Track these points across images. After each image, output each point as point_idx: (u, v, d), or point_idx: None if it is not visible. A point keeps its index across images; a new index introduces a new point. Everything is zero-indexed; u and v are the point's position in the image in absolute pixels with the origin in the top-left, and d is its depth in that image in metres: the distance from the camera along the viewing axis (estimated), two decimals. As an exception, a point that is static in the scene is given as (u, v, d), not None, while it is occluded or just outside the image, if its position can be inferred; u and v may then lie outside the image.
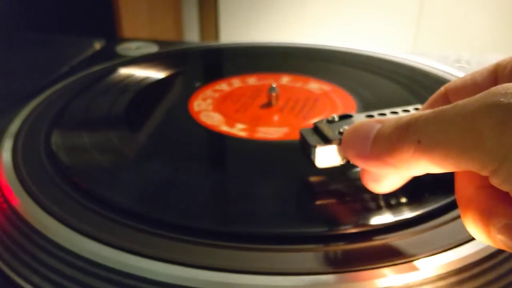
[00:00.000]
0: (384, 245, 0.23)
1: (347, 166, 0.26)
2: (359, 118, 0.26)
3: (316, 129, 0.26)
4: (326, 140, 0.25)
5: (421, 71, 0.45)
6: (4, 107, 0.39)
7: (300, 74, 0.44)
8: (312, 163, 0.25)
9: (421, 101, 0.38)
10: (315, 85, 0.42)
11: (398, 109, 0.27)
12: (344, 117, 0.26)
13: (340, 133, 0.25)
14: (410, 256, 0.22)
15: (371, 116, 0.26)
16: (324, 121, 0.26)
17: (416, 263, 0.22)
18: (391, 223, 0.24)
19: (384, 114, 0.27)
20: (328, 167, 0.26)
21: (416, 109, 0.27)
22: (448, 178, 0.28)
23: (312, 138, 0.25)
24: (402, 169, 0.19)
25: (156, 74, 0.45)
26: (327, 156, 0.25)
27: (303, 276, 0.21)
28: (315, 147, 0.25)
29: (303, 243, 0.23)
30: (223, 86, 0.42)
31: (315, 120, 0.35)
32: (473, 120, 0.16)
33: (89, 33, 0.57)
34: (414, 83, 0.42)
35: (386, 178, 0.22)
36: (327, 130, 0.25)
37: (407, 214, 0.24)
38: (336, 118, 0.26)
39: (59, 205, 0.26)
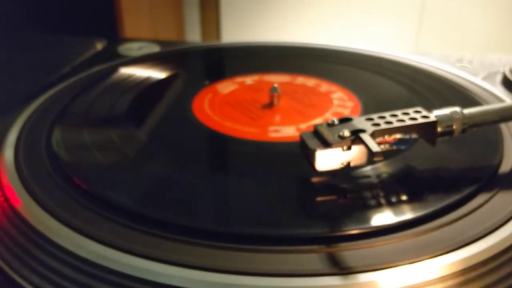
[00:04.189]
0: (387, 246, 0.23)
1: (348, 168, 0.26)
2: (359, 122, 0.26)
3: (316, 133, 0.26)
4: (326, 144, 0.25)
5: (422, 71, 0.44)
6: (6, 107, 0.40)
7: (302, 73, 0.44)
8: (312, 166, 0.25)
9: (423, 101, 0.38)
10: (317, 85, 0.42)
11: (398, 112, 0.27)
12: (344, 121, 0.27)
13: (340, 137, 0.25)
14: (413, 257, 0.22)
15: (371, 119, 0.27)
16: (324, 125, 0.26)
17: (419, 264, 0.22)
18: (393, 223, 0.24)
19: (383, 117, 0.27)
20: (329, 170, 0.26)
21: (417, 112, 0.27)
22: (450, 178, 0.28)
23: (312, 142, 0.26)
24: None
25: (158, 74, 0.45)
26: (327, 160, 0.25)
27: (304, 277, 0.21)
28: (315, 150, 0.25)
29: (303, 244, 0.23)
30: (224, 86, 0.42)
31: (317, 120, 0.35)
32: None
33: (91, 33, 0.57)
34: (415, 82, 0.42)
35: None
36: (327, 133, 0.26)
37: (410, 214, 0.24)
38: (336, 122, 0.26)
39: (60, 205, 0.26)
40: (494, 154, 0.30)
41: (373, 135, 0.25)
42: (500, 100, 0.39)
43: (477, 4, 0.96)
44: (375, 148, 0.24)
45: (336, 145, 0.25)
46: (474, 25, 0.97)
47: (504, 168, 0.29)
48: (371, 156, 0.24)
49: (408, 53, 0.49)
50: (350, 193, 0.27)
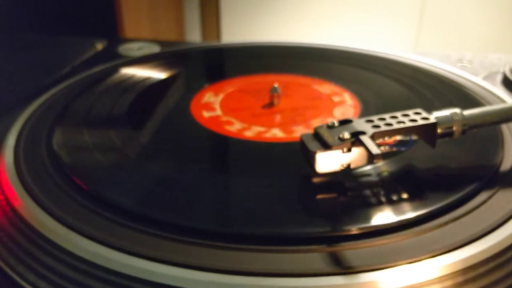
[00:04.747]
0: (387, 246, 0.23)
1: (348, 169, 0.26)
2: (359, 123, 0.26)
3: (316, 135, 0.26)
4: (326, 146, 0.25)
5: (423, 71, 0.45)
6: (6, 107, 0.40)
7: (302, 74, 0.44)
8: (312, 168, 0.25)
9: (423, 100, 0.38)
10: (317, 85, 0.42)
11: (398, 114, 0.27)
12: (344, 122, 0.27)
13: (340, 139, 0.25)
14: (413, 256, 0.22)
15: (371, 121, 0.27)
16: (324, 127, 0.26)
17: (419, 263, 0.22)
18: (393, 223, 0.24)
19: (383, 119, 0.27)
20: (329, 172, 0.26)
21: (416, 113, 0.27)
22: (451, 177, 0.28)
23: (312, 144, 0.26)
24: None
25: (158, 74, 0.45)
26: (327, 162, 0.25)
27: (304, 277, 0.21)
28: (315, 153, 0.25)
29: (304, 244, 0.23)
30: (224, 86, 0.42)
31: (317, 120, 0.35)
32: None
33: (91, 33, 0.57)
34: (416, 82, 0.42)
35: None
36: (327, 135, 0.26)
37: (410, 214, 0.24)
38: (336, 124, 0.27)
39: (60, 206, 0.26)
40: (494, 153, 0.30)
41: (373, 137, 0.25)
42: (501, 99, 0.39)
43: (477, 4, 0.96)
44: (375, 150, 0.24)
45: (336, 147, 0.25)
46: (474, 25, 0.97)
47: (504, 167, 0.29)
48: (371, 158, 0.24)
49: (408, 53, 0.49)
50: (350, 193, 0.27)
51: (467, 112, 0.28)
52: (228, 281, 0.21)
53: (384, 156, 0.27)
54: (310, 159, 0.26)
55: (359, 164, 0.26)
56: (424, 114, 0.27)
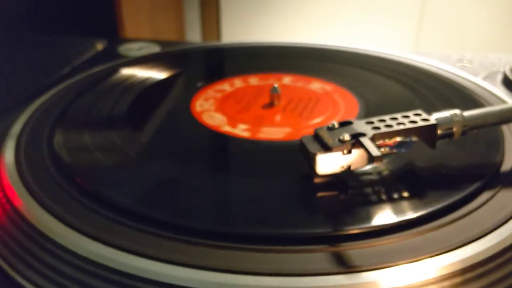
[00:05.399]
0: (387, 246, 0.23)
1: (349, 171, 0.26)
2: (360, 125, 0.26)
3: (316, 136, 0.26)
4: (327, 148, 0.25)
5: (423, 71, 0.45)
6: (6, 107, 0.40)
7: (302, 74, 0.44)
8: (313, 170, 0.26)
9: (423, 100, 0.38)
10: (317, 85, 0.42)
11: (398, 115, 0.27)
12: (344, 124, 0.27)
13: (340, 141, 0.25)
14: (413, 256, 0.22)
15: (371, 122, 0.27)
16: (324, 128, 0.27)
17: (419, 263, 0.22)
18: (394, 223, 0.24)
19: (383, 121, 0.27)
20: (329, 174, 0.26)
21: (416, 114, 0.27)
22: (451, 178, 0.28)
23: (312, 146, 0.26)
24: None
25: (158, 74, 0.45)
26: (327, 163, 0.25)
27: (304, 277, 0.21)
28: (315, 154, 0.25)
29: (304, 244, 0.23)
30: (225, 86, 0.42)
31: (316, 120, 0.36)
32: None
33: (91, 33, 0.57)
34: (416, 82, 0.42)
35: None
36: (327, 137, 0.26)
37: (410, 214, 0.24)
38: (336, 125, 0.27)
39: (61, 205, 0.26)
40: (495, 154, 0.30)
41: (373, 138, 0.26)
42: (501, 100, 0.39)
43: (477, 4, 0.96)
44: (375, 152, 0.24)
45: (337, 149, 0.25)
46: (474, 25, 0.97)
47: (505, 167, 0.29)
48: (371, 160, 0.24)
49: (408, 53, 0.49)
50: (351, 193, 0.27)
51: (467, 113, 0.28)
52: (229, 281, 0.21)
53: (384, 156, 0.27)
54: (310, 161, 0.26)
55: (360, 165, 0.26)
56: (424, 115, 0.27)
